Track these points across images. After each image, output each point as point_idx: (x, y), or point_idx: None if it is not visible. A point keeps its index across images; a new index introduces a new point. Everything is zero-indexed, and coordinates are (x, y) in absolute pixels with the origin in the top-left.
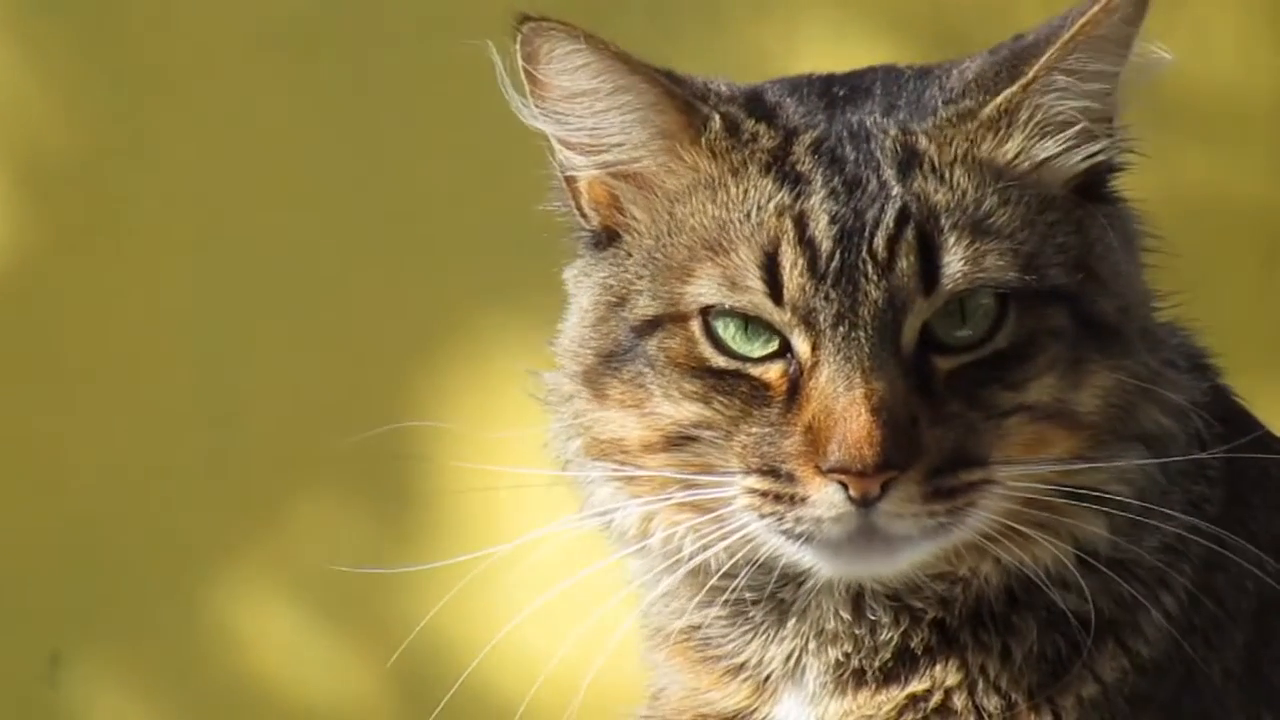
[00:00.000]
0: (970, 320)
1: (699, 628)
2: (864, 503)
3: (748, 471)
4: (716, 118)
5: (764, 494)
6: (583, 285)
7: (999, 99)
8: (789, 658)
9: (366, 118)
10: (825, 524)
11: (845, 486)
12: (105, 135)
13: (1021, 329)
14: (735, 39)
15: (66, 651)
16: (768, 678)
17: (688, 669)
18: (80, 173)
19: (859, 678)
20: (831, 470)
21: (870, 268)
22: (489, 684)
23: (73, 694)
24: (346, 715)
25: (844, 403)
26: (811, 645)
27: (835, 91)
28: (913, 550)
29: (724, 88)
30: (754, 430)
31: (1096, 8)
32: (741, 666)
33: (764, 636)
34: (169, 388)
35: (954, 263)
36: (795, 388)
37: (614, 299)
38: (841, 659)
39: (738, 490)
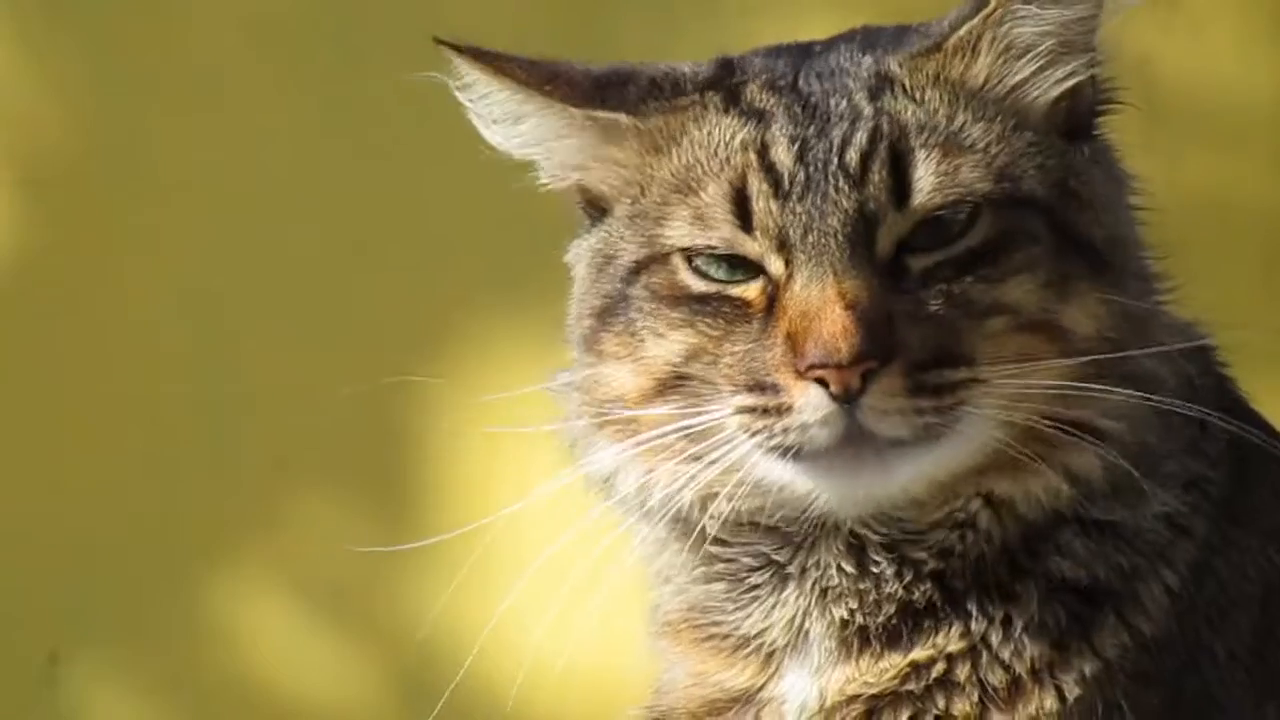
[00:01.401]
0: (946, 225)
1: (701, 606)
2: (846, 398)
3: (736, 390)
4: (623, 118)
5: (752, 410)
6: (581, 258)
7: (962, 30)
8: (791, 623)
9: (366, 118)
10: (812, 429)
11: (826, 385)
12: (105, 135)
13: (993, 229)
14: (734, 37)
15: (65, 651)
16: (771, 653)
17: (693, 653)
18: (80, 173)
19: (863, 637)
20: (810, 368)
21: (840, 179)
22: (489, 683)
23: (72, 693)
24: (346, 715)
25: (817, 303)
26: (815, 608)
27: (813, 48)
28: (906, 459)
29: (688, 67)
30: (738, 348)
31: None
32: (746, 641)
33: (765, 604)
34: (169, 388)
35: (926, 177)
36: (773, 303)
37: (603, 259)
38: (846, 617)
39: (729, 411)
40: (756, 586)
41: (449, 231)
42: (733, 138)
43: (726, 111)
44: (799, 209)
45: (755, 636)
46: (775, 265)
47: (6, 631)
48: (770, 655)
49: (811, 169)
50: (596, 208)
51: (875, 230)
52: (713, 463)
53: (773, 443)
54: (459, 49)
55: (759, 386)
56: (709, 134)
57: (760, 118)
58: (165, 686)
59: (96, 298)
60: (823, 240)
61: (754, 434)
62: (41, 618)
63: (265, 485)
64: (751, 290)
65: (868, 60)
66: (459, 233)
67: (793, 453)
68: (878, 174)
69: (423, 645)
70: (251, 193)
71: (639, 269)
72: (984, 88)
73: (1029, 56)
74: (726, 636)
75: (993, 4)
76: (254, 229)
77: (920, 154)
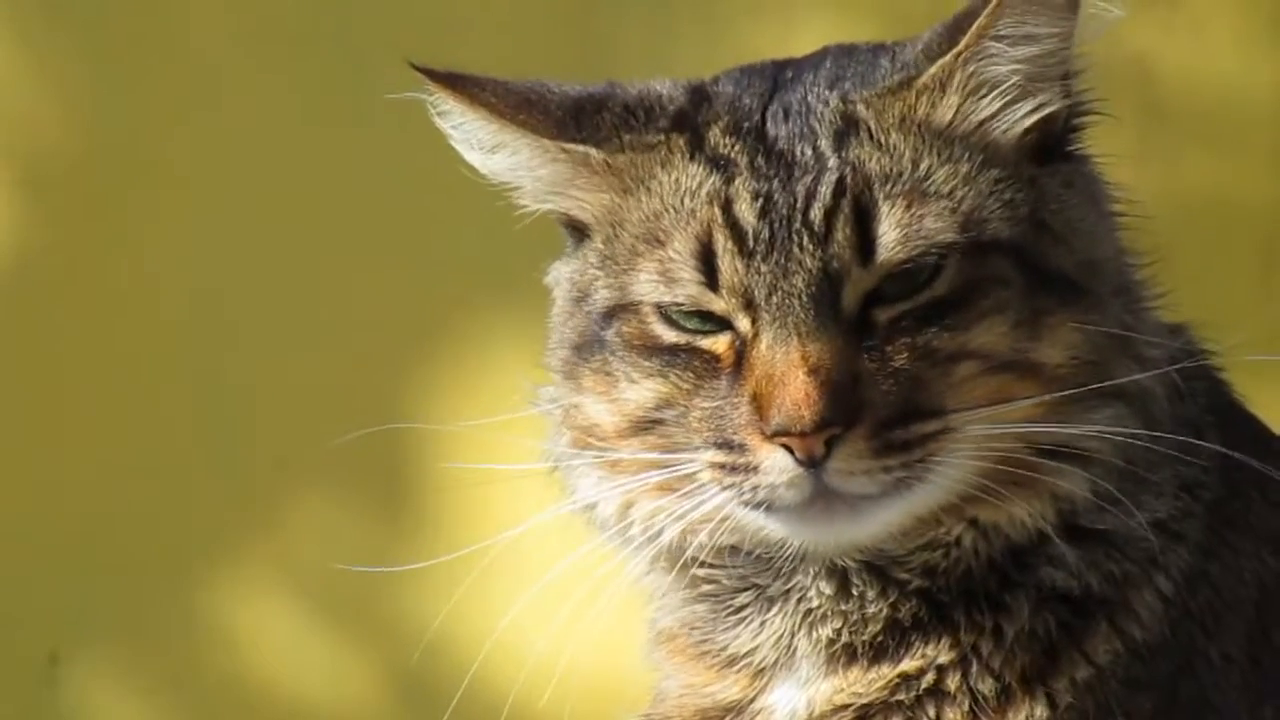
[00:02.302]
0: (913, 275)
1: (692, 623)
2: (811, 464)
3: (706, 445)
4: (593, 152)
5: (722, 466)
6: (560, 284)
7: (933, 68)
8: (779, 642)
9: (366, 117)
10: (780, 490)
11: (791, 450)
12: (105, 135)
13: (960, 277)
14: (733, 38)
15: (65, 651)
16: (761, 668)
17: (686, 665)
18: (80, 172)
19: (850, 653)
20: (775, 434)
21: (805, 238)
22: (488, 684)
23: (71, 694)
24: (346, 715)
25: (781, 368)
26: (800, 628)
27: (784, 74)
28: (878, 510)
29: (665, 90)
30: (707, 405)
31: None
32: (735, 658)
33: (752, 625)
34: (169, 388)
35: (890, 232)
36: (740, 359)
37: (579, 293)
38: (832, 636)
39: (700, 465)
40: (742, 608)
41: (450, 231)
42: (698, 188)
43: (692, 158)
44: (763, 268)
45: (744, 655)
46: (742, 323)
47: (6, 631)
48: (760, 670)
49: (775, 226)
50: (578, 229)
51: (840, 288)
52: (690, 504)
53: (743, 498)
54: (434, 75)
55: (727, 444)
56: (675, 180)
57: (725, 167)
58: (165, 686)
59: (96, 297)
60: (787, 301)
61: (725, 488)
62: (41, 618)
63: (265, 486)
64: (720, 344)
65: (834, 99)
66: (460, 233)
67: (764, 506)
68: (842, 231)
69: (421, 645)
70: (251, 192)
71: (611, 314)
72: (951, 125)
73: (997, 92)
74: (717, 654)
75: (964, 42)
76: (254, 229)
77: (885, 207)
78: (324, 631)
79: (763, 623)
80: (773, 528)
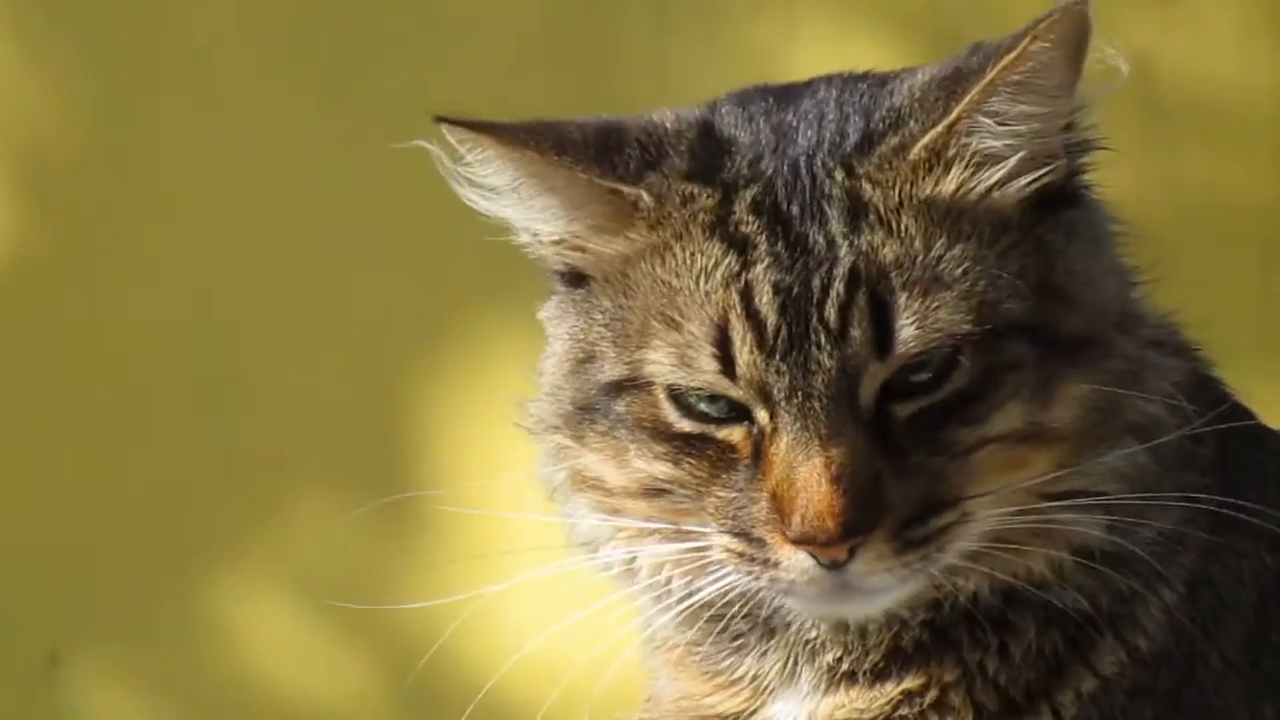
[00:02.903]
0: (928, 363)
1: (693, 642)
2: (834, 567)
3: (722, 530)
4: (645, 196)
5: (739, 554)
6: (558, 329)
7: (925, 139)
8: (784, 668)
9: (367, 117)
10: (799, 585)
11: (814, 554)
12: (105, 135)
13: (977, 367)
14: (734, 37)
15: (65, 651)
16: (763, 685)
17: (685, 676)
18: (80, 173)
19: (851, 677)
20: (797, 542)
21: (822, 337)
22: (489, 685)
23: (72, 694)
24: (346, 714)
25: (804, 473)
26: (801, 654)
27: (787, 119)
28: (890, 595)
29: (670, 124)
30: (723, 494)
31: (1011, 55)
32: (736, 679)
33: (756, 651)
34: (169, 387)
35: (908, 327)
36: (759, 452)
37: (582, 354)
38: (832, 663)
39: (714, 546)
40: (743, 635)
41: (451, 231)
42: (714, 268)
43: (711, 232)
44: (782, 367)
45: (750, 678)
46: (761, 415)
47: (6, 631)
48: (760, 688)
49: (793, 323)
50: (577, 277)
51: (858, 383)
52: (699, 565)
53: (759, 584)
54: (465, 124)
55: (745, 535)
56: (691, 256)
57: (744, 249)
58: (165, 686)
59: (96, 297)
60: (807, 404)
61: (739, 572)
62: (41, 618)
63: (265, 485)
64: (737, 434)
65: (840, 173)
66: (461, 233)
67: (780, 593)
68: (858, 327)
69: (420, 644)
70: (252, 192)
71: (620, 388)
72: (956, 197)
73: (1001, 164)
74: (718, 674)
75: (955, 114)
76: (254, 228)
77: (901, 297)
78: (324, 631)
79: (766, 650)
80: (788, 604)
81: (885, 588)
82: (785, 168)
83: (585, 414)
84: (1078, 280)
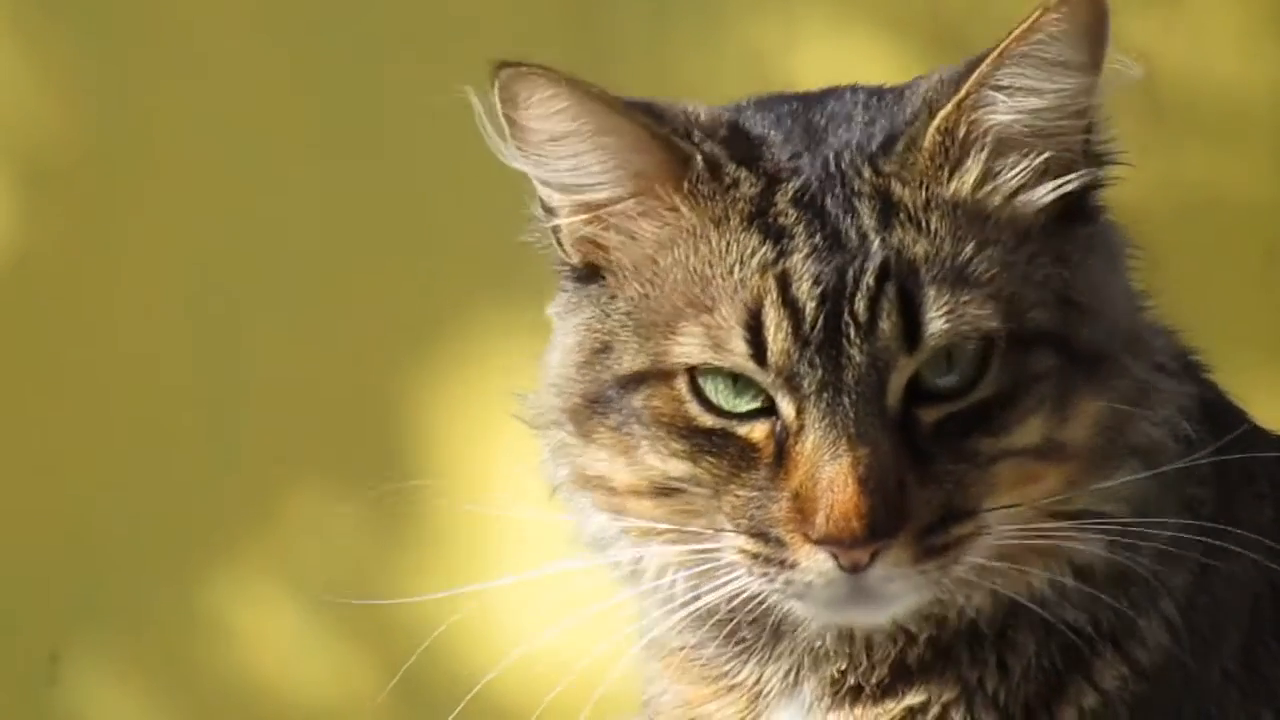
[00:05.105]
0: (956, 367)
1: (694, 645)
2: (854, 570)
3: (737, 531)
4: (699, 158)
5: (754, 555)
6: (568, 322)
7: (938, 119)
8: (786, 675)
9: (368, 116)
10: (816, 587)
11: (835, 555)
12: (105, 135)
13: (1005, 376)
14: (734, 37)
15: (66, 650)
16: (762, 693)
17: (684, 682)
18: (81, 172)
19: (856, 693)
20: (820, 542)
21: (853, 330)
22: (490, 681)
23: (72, 692)
24: (346, 714)
25: (830, 472)
26: (806, 662)
27: (815, 120)
28: (903, 603)
29: (703, 116)
30: (742, 493)
31: (1021, 27)
32: (737, 685)
33: (759, 656)
34: (168, 387)
35: (936, 320)
36: (782, 450)
37: (598, 345)
38: (837, 676)
39: (727, 548)
40: (748, 639)
41: (451, 230)
42: (751, 255)
43: (750, 222)
44: (816, 360)
45: (750, 683)
46: (787, 408)
47: (6, 631)
48: (760, 695)
49: (829, 315)
50: (591, 270)
51: (887, 379)
52: (708, 570)
53: (774, 588)
54: (532, 65)
55: (763, 536)
56: (728, 244)
57: (781, 238)
58: (165, 686)
59: (96, 295)
60: (837, 399)
61: (753, 574)
62: (41, 617)
63: (265, 484)
64: (759, 432)
65: (868, 171)
66: (461, 232)
67: (793, 597)
68: (887, 320)
69: (420, 642)
70: (252, 191)
71: (639, 381)
72: (979, 197)
73: (1017, 156)
74: (718, 679)
75: (964, 89)
76: (254, 227)
77: (929, 291)
78: (324, 630)
79: (770, 657)
80: (796, 609)
81: (899, 595)
82: (819, 165)
83: (595, 408)
84: (1095, 295)
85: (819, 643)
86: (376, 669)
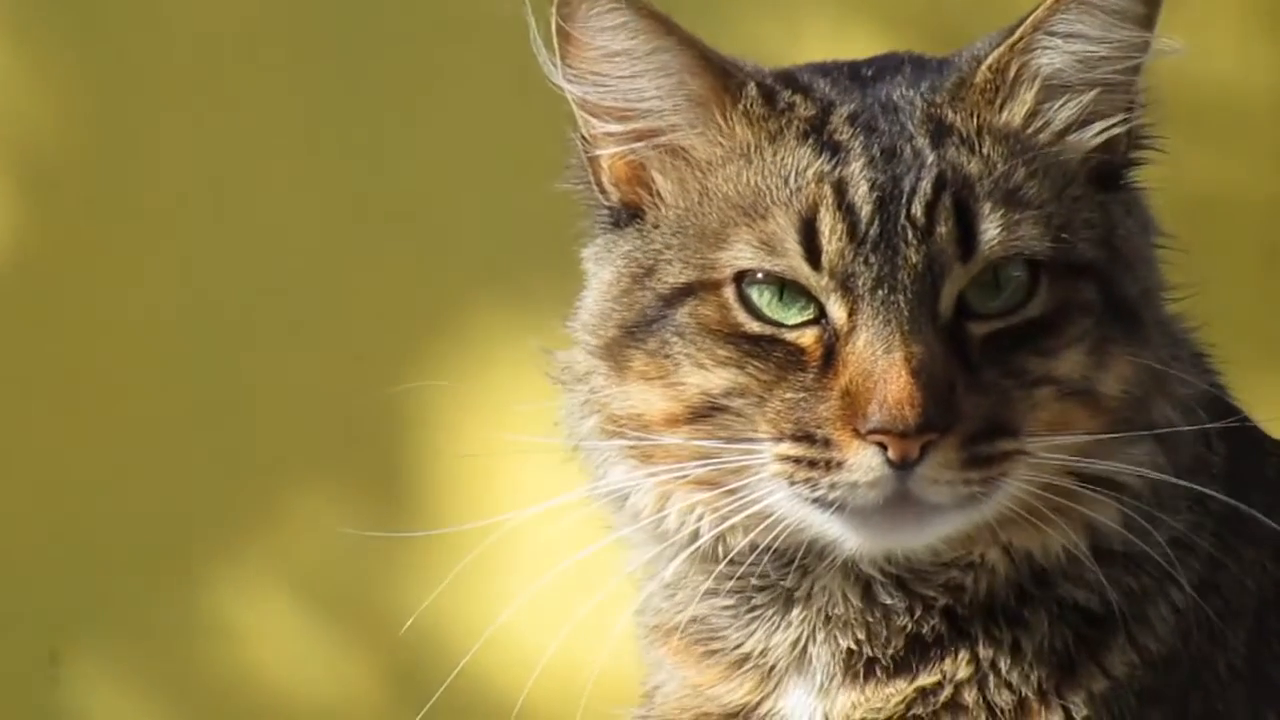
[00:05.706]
0: (1004, 289)
1: (702, 619)
2: (903, 465)
3: (780, 438)
4: (752, 85)
5: (797, 460)
6: (604, 261)
7: (990, 58)
8: (794, 646)
9: (367, 116)
10: (861, 489)
11: (884, 449)
12: (105, 135)
13: (1053, 299)
14: (737, 37)
15: (66, 650)
16: (772, 668)
17: (689, 665)
18: (80, 173)
19: (870, 667)
20: (872, 431)
21: (910, 233)
22: (486, 678)
23: (72, 692)
24: (346, 712)
25: (883, 365)
26: (819, 633)
27: (864, 73)
28: (943, 522)
29: (751, 66)
30: (788, 396)
31: None
32: (745, 658)
33: (769, 624)
34: (169, 387)
35: (990, 229)
36: (830, 353)
37: (640, 269)
38: (854, 647)
39: (768, 458)
40: (760, 606)
41: (451, 231)
42: (805, 168)
43: (805, 138)
44: (872, 259)
45: (755, 655)
46: (837, 311)
47: (6, 631)
48: (770, 671)
49: (885, 218)
50: (628, 208)
51: (941, 284)
52: (739, 500)
53: (815, 495)
54: None
55: (808, 438)
56: (781, 159)
57: (837, 151)
58: (165, 686)
59: (96, 297)
60: (892, 297)
61: (794, 483)
62: (41, 618)
63: (265, 484)
64: (807, 337)
65: (920, 100)
66: (461, 232)
67: (834, 506)
68: (944, 224)
69: (420, 642)
70: (251, 192)
71: (686, 293)
72: (1029, 131)
73: (1066, 97)
74: (725, 652)
75: (1019, 33)
76: (254, 228)
77: (986, 204)
78: (324, 629)
79: (780, 624)
80: (832, 529)
81: (942, 508)
82: (869, 98)
83: (632, 335)
84: (1135, 253)
85: (836, 609)
86: (377, 671)
